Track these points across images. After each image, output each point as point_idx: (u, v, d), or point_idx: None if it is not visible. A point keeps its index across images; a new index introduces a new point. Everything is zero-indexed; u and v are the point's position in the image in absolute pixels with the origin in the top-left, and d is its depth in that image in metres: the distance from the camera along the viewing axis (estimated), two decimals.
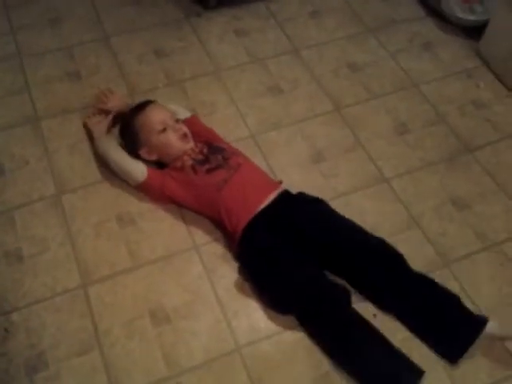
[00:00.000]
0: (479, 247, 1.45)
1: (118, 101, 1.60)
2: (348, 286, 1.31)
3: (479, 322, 1.25)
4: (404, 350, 1.25)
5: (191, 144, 1.47)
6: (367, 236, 1.35)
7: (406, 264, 1.33)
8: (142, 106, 1.49)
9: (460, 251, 1.44)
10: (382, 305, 1.32)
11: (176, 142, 1.45)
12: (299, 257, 1.30)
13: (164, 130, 1.45)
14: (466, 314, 1.28)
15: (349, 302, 1.28)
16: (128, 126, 1.49)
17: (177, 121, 1.48)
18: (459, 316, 1.28)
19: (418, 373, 1.20)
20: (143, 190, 1.47)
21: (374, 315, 1.31)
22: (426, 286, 1.32)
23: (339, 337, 1.24)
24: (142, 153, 1.47)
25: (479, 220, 1.50)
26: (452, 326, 1.27)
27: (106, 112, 1.57)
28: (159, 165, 1.50)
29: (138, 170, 1.45)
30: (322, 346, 1.26)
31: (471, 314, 1.28)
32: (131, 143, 1.48)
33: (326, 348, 1.26)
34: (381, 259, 1.32)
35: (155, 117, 1.46)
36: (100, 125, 1.54)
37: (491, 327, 1.24)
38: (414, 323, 1.30)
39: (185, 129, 1.47)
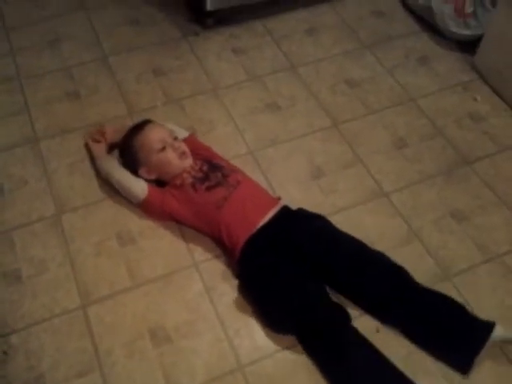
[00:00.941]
0: (481, 259, 1.44)
1: (114, 132, 1.57)
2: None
3: (487, 327, 1.25)
4: (409, 366, 1.24)
5: (190, 161, 1.47)
6: (369, 250, 1.34)
7: (410, 276, 1.33)
8: (141, 126, 1.50)
9: (461, 264, 1.43)
10: (387, 318, 1.31)
11: (175, 160, 1.45)
12: (299, 275, 1.30)
13: (163, 148, 1.45)
14: (473, 320, 1.28)
15: (348, 323, 1.26)
16: (127, 146, 1.50)
17: (175, 139, 1.49)
18: (466, 323, 1.27)
19: None
20: (144, 207, 1.47)
21: (377, 330, 1.30)
22: (431, 296, 1.31)
23: (336, 359, 1.22)
24: (142, 172, 1.47)
25: (480, 232, 1.50)
26: (459, 334, 1.26)
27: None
28: (159, 183, 1.50)
29: (139, 187, 1.45)
30: (319, 367, 1.24)
31: (478, 320, 1.28)
32: (131, 163, 1.49)
33: (323, 369, 1.24)
34: (384, 272, 1.31)
35: (154, 136, 1.46)
36: (100, 145, 1.55)
37: (499, 330, 1.24)
38: (421, 335, 1.29)
39: (184, 147, 1.48)
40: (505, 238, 1.49)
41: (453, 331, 1.27)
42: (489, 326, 1.24)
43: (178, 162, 1.45)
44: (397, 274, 1.32)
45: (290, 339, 1.28)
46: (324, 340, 1.23)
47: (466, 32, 1.94)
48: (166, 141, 1.46)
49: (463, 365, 1.24)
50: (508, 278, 1.41)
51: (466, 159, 1.67)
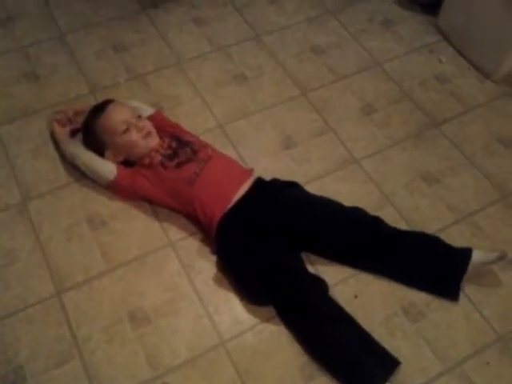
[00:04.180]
0: (452, 220, 1.47)
1: (75, 115, 1.51)
2: (325, 278, 1.30)
3: (466, 253, 1.31)
4: (387, 330, 1.27)
5: (156, 140, 1.43)
6: (345, 207, 1.37)
7: (386, 223, 1.37)
8: (102, 107, 1.44)
9: (433, 225, 1.45)
10: (370, 267, 1.35)
11: (140, 141, 1.40)
12: (277, 246, 1.29)
13: (127, 129, 1.40)
14: (451, 249, 1.34)
15: (325, 293, 1.27)
16: (89, 130, 1.44)
17: (139, 117, 1.44)
18: (445, 252, 1.33)
19: (394, 363, 1.20)
20: (114, 189, 1.43)
21: (356, 296, 1.32)
22: (407, 236, 1.36)
23: (314, 331, 1.23)
24: (107, 155, 1.43)
25: (450, 193, 1.52)
26: (441, 263, 1.32)
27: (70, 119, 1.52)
28: (128, 163, 1.46)
29: (107, 169, 1.41)
30: (298, 338, 1.25)
31: (455, 248, 1.34)
32: (95, 147, 1.43)
33: (302, 341, 1.25)
34: (362, 222, 1.35)
35: (116, 117, 1.40)
36: (64, 128, 1.49)
37: (477, 254, 1.30)
38: (405, 273, 1.34)
39: (149, 126, 1.43)
40: (474, 197, 1.52)
41: (434, 263, 1.32)
42: (467, 252, 1.31)
43: (144, 143, 1.41)
44: (374, 221, 1.36)
45: (270, 311, 1.29)
46: (302, 312, 1.24)
47: None
48: (130, 121, 1.40)
49: (451, 291, 1.32)
50: (478, 236, 1.44)
51: (434, 121, 1.68)
